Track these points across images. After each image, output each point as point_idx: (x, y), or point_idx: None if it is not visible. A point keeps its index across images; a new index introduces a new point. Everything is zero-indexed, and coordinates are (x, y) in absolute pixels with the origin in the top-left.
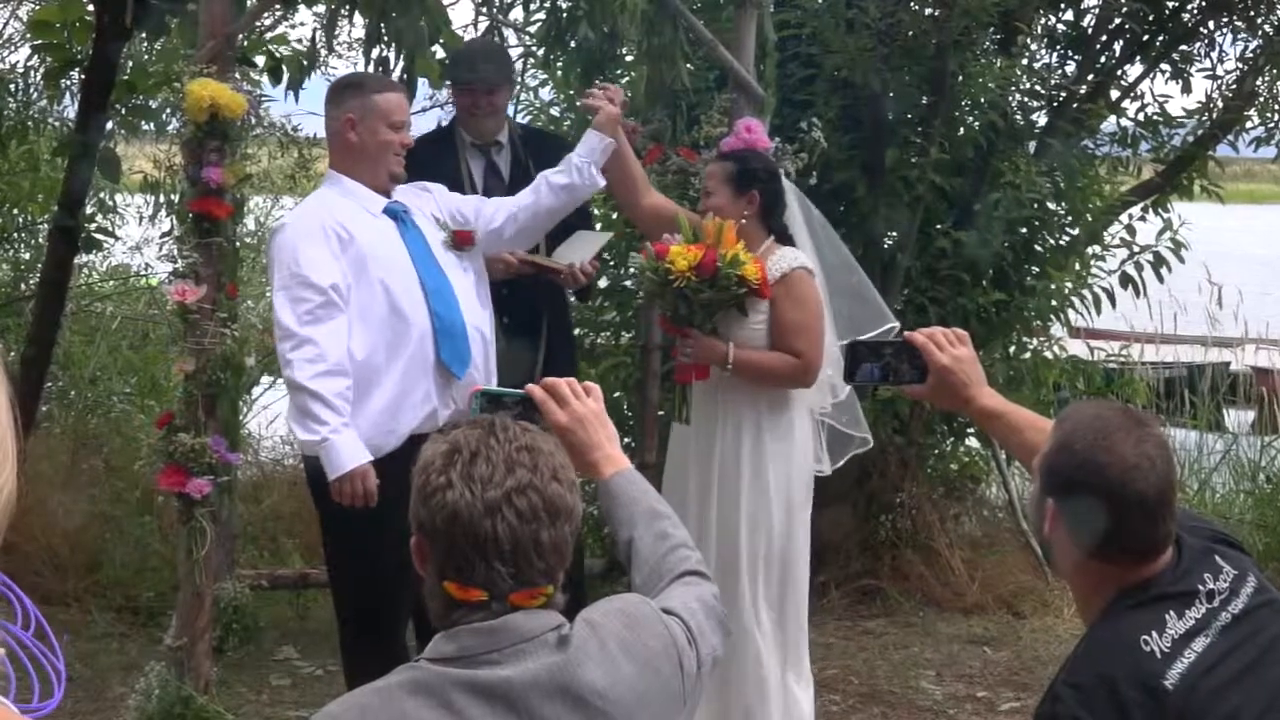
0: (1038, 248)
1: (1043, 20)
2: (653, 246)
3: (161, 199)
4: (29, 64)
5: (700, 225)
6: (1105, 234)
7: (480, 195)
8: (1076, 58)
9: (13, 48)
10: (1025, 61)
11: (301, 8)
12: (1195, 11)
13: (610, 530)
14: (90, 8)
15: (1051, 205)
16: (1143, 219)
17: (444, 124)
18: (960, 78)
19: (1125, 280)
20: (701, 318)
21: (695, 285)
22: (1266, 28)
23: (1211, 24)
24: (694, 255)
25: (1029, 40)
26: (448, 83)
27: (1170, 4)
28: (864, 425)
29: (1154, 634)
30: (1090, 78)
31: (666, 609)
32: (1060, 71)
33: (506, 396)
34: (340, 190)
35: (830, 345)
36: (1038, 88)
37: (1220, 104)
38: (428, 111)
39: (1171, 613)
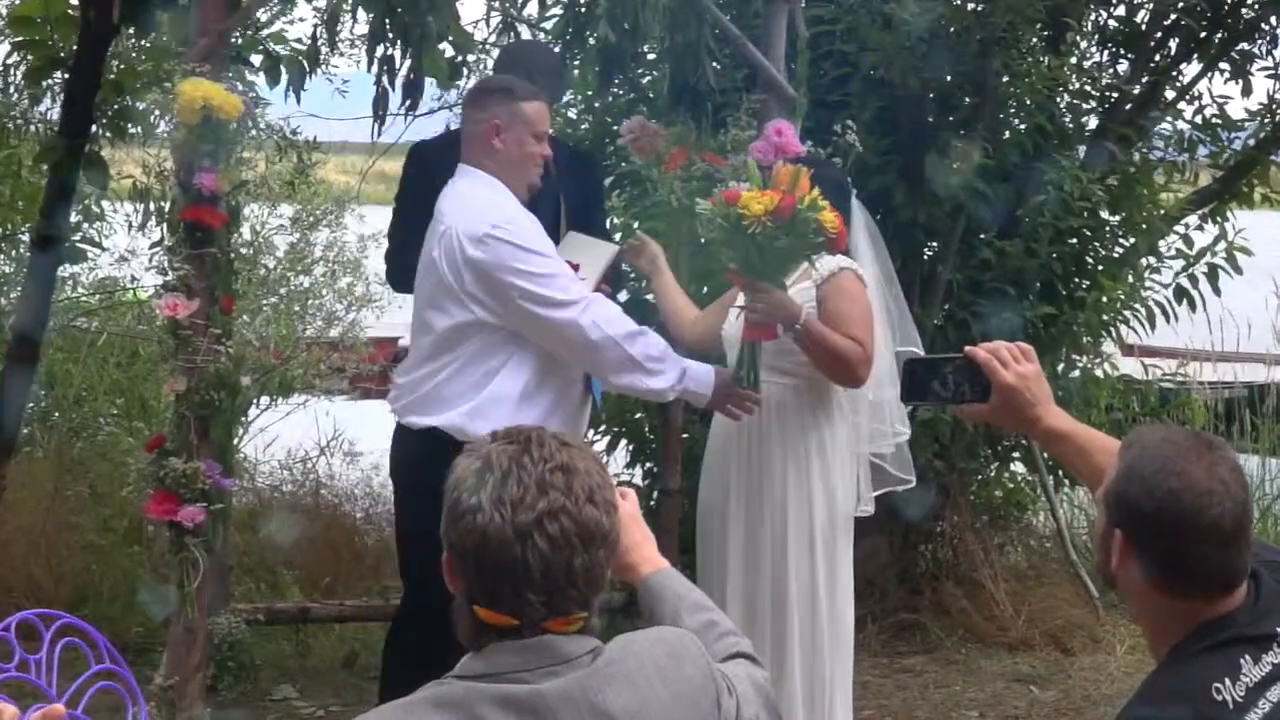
0: (1088, 259)
1: (1093, 16)
2: (721, 194)
3: (151, 207)
4: (9, 62)
5: (773, 172)
6: (1161, 244)
7: None
8: (1129, 56)
9: None
10: (1075, 60)
11: (301, 2)
12: (1256, 6)
13: (655, 624)
14: (74, 2)
15: (1104, 214)
16: (1200, 228)
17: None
18: (1005, 77)
19: (1180, 294)
20: (774, 269)
21: (772, 231)
22: None
23: (1274, 19)
24: (770, 199)
25: (1079, 37)
26: (456, 83)
27: None
28: (910, 467)
29: (1227, 681)
30: (1144, 78)
31: None
32: (1112, 71)
33: None
34: (498, 191)
35: (884, 366)
36: (1088, 88)
37: None
38: (435, 113)
39: (1247, 657)
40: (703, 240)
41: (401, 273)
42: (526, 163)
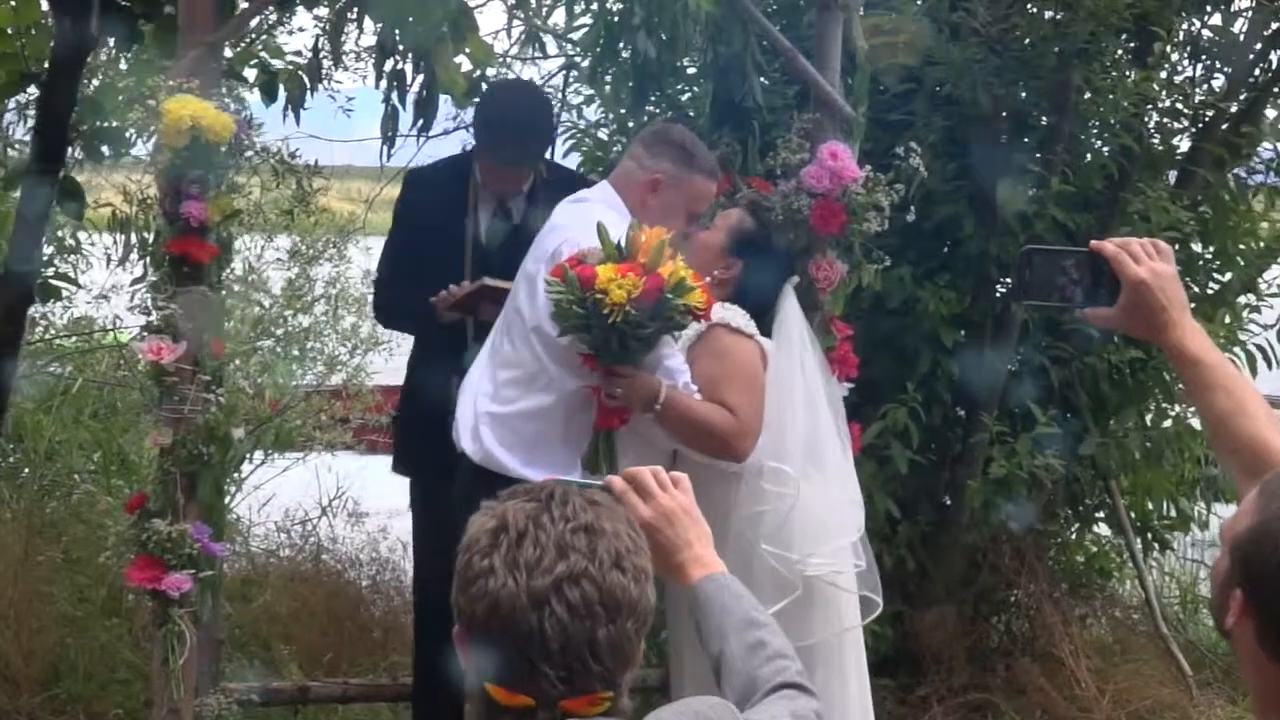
0: None
1: (1185, 25)
2: (569, 265)
3: (133, 238)
4: None
5: (630, 237)
6: (1261, 280)
7: (484, 235)
8: (1226, 70)
9: None
10: (1164, 74)
11: (300, 10)
12: None
13: (701, 641)
14: (47, 9)
15: (1196, 246)
16: None
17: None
18: (1086, 94)
19: None
20: (635, 354)
21: (635, 319)
22: None
23: None
24: (632, 283)
25: (1168, 49)
26: (473, 101)
27: None
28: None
29: None
30: (1242, 94)
31: None
32: (1206, 86)
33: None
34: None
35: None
36: (1179, 105)
37: None
38: (450, 134)
39: None
40: (552, 317)
41: (389, 308)
42: (663, 228)
